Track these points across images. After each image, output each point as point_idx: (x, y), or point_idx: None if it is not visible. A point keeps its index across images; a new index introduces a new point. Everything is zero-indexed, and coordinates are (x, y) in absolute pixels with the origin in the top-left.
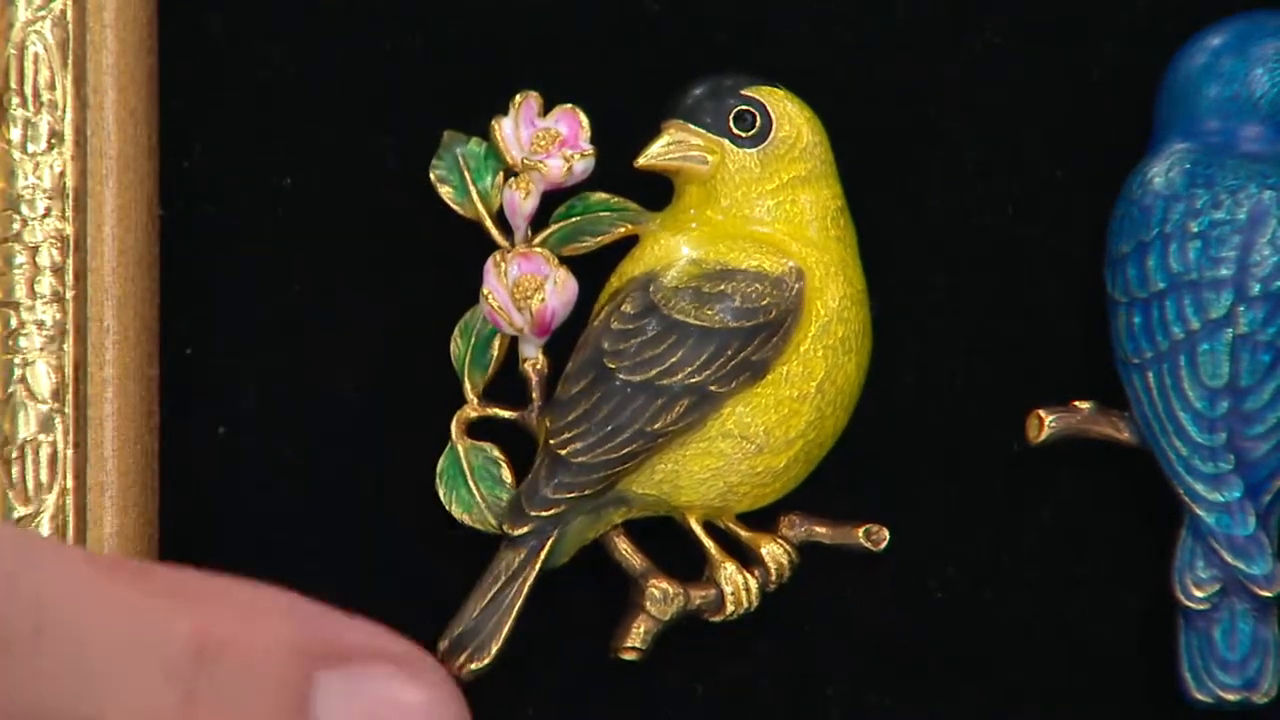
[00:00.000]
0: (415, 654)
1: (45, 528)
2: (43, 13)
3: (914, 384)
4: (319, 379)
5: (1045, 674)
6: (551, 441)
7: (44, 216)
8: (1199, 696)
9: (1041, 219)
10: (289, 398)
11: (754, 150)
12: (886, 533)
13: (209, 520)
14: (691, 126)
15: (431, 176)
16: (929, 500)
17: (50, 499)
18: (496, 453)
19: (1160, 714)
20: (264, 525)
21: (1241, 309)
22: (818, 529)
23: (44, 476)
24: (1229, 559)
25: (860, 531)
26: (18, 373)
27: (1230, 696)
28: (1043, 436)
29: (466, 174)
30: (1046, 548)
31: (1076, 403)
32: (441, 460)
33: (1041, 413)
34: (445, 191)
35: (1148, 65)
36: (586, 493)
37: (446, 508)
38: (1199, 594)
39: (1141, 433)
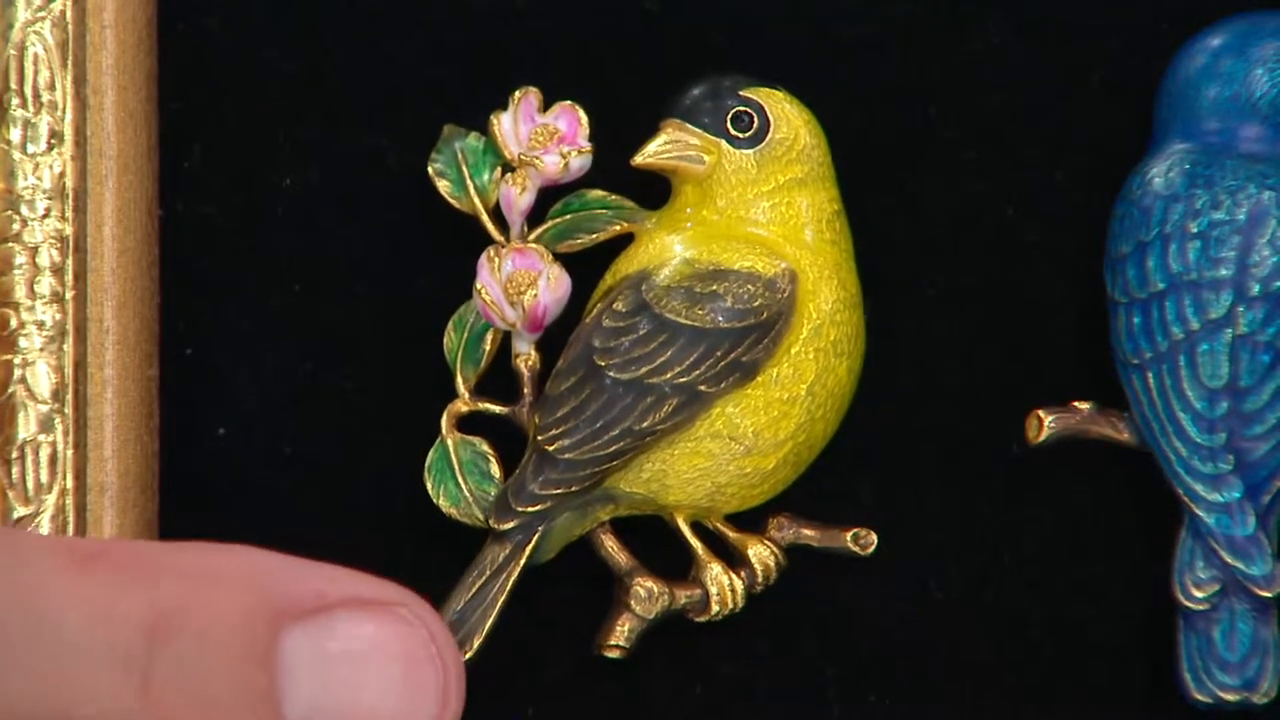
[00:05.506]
0: (388, 593)
1: (45, 528)
2: (42, 13)
3: (914, 384)
4: (318, 379)
5: (1045, 674)
6: (539, 437)
7: (44, 217)
8: (1199, 696)
9: (1041, 219)
10: (289, 398)
11: (751, 151)
12: (874, 537)
13: (208, 520)
14: (689, 126)
15: (430, 170)
16: (929, 500)
17: (50, 499)
18: (485, 447)
19: (1160, 714)
20: (263, 525)
21: (1241, 309)
22: (806, 531)
23: (44, 477)
24: (1229, 559)
25: (849, 535)
26: (18, 373)
27: (1230, 696)
28: (1043, 436)
29: (464, 168)
30: (1046, 548)
31: (1076, 403)
32: (431, 454)
33: (1041, 413)
34: (443, 185)
35: (1148, 65)
36: (573, 489)
37: (434, 501)
38: (1199, 594)
39: (1141, 433)
